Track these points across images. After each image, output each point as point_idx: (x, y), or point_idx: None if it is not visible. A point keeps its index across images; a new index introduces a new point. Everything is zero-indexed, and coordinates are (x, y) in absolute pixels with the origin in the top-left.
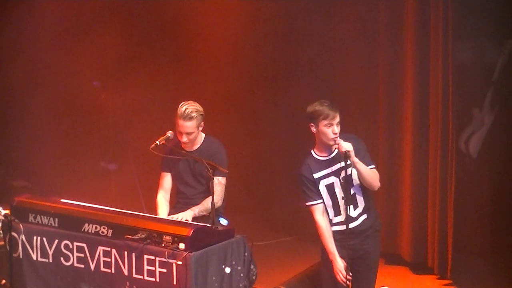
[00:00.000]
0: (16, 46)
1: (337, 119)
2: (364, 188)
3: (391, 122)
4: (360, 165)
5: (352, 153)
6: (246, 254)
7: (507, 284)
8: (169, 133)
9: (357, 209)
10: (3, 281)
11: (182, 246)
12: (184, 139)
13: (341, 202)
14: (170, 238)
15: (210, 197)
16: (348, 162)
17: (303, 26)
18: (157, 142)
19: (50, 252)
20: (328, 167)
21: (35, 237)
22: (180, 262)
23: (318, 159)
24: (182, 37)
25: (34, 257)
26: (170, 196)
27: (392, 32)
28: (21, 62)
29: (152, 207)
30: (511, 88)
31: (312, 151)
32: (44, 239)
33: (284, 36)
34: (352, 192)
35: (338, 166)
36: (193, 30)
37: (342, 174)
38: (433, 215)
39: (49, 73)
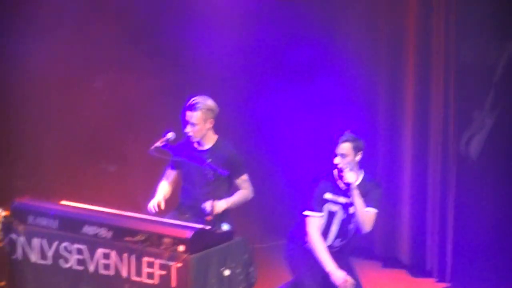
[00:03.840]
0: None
1: (341, 150)
2: None
3: (392, 123)
4: (358, 201)
5: (354, 185)
6: (245, 256)
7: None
8: (169, 135)
9: (344, 241)
10: (2, 283)
11: (181, 248)
12: (188, 129)
13: (332, 232)
14: (170, 240)
15: (242, 191)
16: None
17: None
18: (157, 144)
19: (50, 254)
20: (340, 196)
21: (34, 239)
22: (179, 265)
23: (336, 185)
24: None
25: (33, 259)
26: (174, 196)
27: (394, 32)
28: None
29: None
30: None
31: (333, 172)
32: (44, 241)
33: (286, 33)
34: (350, 227)
35: (348, 200)
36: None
37: (350, 210)
38: (433, 218)
39: (48, 75)
